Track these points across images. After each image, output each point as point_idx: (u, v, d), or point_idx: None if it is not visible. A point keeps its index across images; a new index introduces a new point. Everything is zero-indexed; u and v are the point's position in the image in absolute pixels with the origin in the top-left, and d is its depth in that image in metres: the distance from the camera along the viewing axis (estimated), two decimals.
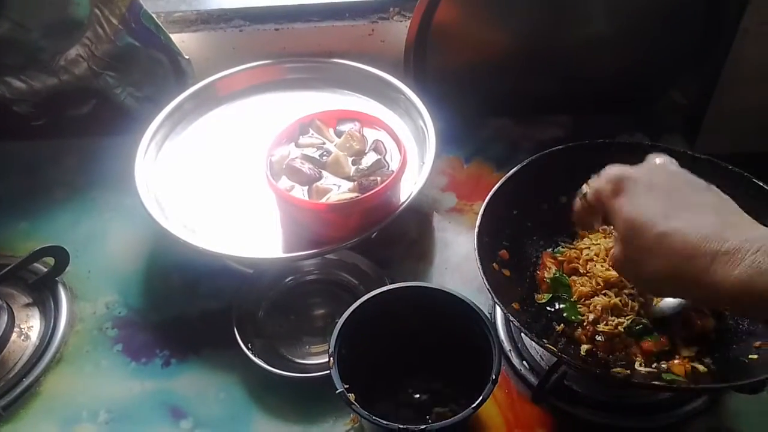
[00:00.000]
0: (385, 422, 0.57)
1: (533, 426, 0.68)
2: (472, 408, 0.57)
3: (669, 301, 0.67)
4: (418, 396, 0.68)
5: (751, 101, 0.99)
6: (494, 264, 0.70)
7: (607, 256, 0.71)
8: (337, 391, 0.58)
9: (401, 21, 0.96)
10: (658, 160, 0.59)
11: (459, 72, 0.97)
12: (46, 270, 0.81)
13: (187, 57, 0.96)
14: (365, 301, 0.64)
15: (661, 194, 0.54)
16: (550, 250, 0.76)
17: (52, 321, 0.78)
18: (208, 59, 0.98)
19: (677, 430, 0.67)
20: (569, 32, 0.93)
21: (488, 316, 0.67)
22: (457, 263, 0.83)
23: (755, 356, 0.62)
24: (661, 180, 0.56)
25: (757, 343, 0.63)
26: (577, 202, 0.63)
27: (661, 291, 0.59)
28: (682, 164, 0.74)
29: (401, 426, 0.56)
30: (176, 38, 0.95)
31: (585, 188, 0.61)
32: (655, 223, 0.51)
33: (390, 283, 0.68)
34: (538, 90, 0.97)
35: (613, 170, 0.58)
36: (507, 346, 0.74)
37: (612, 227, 0.69)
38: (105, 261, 0.85)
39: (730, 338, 0.66)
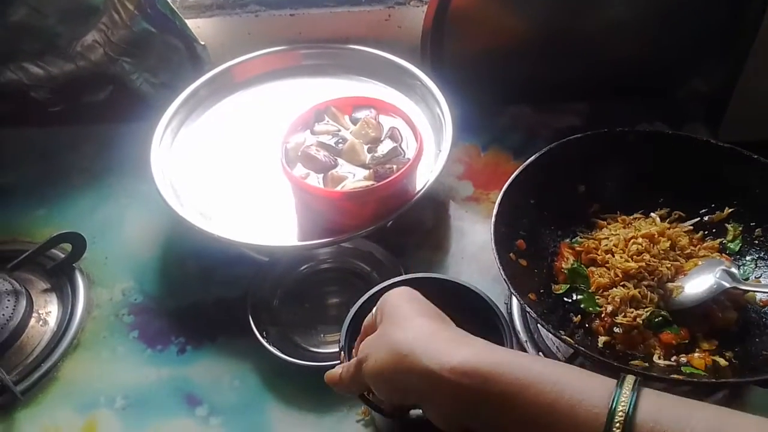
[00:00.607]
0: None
1: None
2: None
3: (690, 293, 0.66)
4: None
5: None
6: (511, 254, 0.69)
7: (626, 247, 0.70)
8: None
9: (418, 6, 0.94)
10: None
11: (476, 58, 0.96)
12: (63, 256, 0.82)
13: (202, 43, 0.95)
14: (375, 293, 0.63)
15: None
16: (567, 240, 0.75)
17: (70, 307, 0.78)
18: (223, 45, 0.98)
19: None
20: (588, 17, 0.91)
21: (501, 307, 0.66)
22: (473, 253, 0.82)
23: None
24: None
25: None
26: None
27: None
28: (703, 153, 0.74)
29: (414, 417, 0.56)
30: (192, 24, 0.95)
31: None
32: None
33: (404, 272, 0.67)
34: (556, 76, 0.95)
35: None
36: (523, 336, 0.73)
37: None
38: (121, 247, 0.85)
39: (753, 332, 0.65)
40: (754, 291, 0.66)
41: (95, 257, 0.83)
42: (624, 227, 0.74)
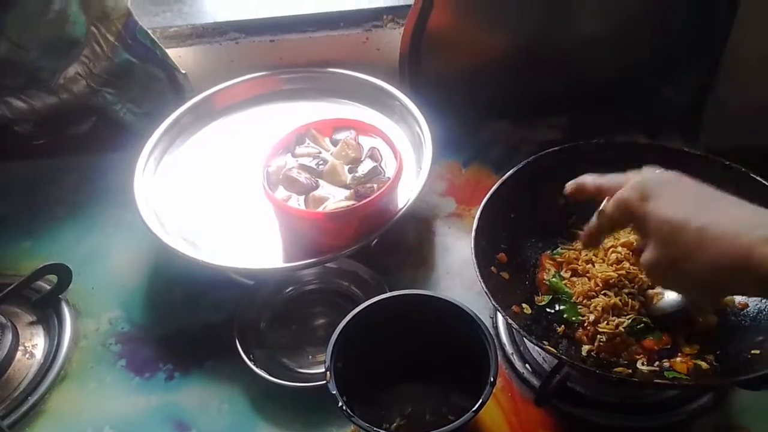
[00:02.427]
0: None
1: (537, 429, 0.68)
2: (472, 412, 0.57)
3: (669, 299, 0.67)
4: (418, 402, 0.67)
5: (751, 96, 0.99)
6: (492, 267, 0.70)
7: (606, 256, 0.71)
8: (338, 405, 0.58)
9: (395, 28, 0.96)
10: (659, 170, 0.60)
11: (455, 76, 0.98)
12: (49, 288, 0.82)
13: (183, 71, 0.97)
14: (358, 312, 0.64)
15: (688, 194, 0.56)
16: (548, 251, 0.76)
17: (56, 338, 0.78)
18: (205, 73, 0.99)
19: (683, 429, 0.67)
20: (563, 32, 0.92)
21: (487, 321, 0.67)
22: (457, 268, 0.82)
23: (757, 351, 0.62)
24: (683, 182, 0.58)
25: (760, 338, 0.63)
26: (594, 221, 0.62)
27: (701, 288, 0.57)
28: (680, 162, 0.75)
29: None
30: (173, 53, 0.96)
31: (604, 205, 0.61)
32: (690, 219, 0.53)
33: (389, 290, 0.68)
34: (534, 92, 0.97)
35: (635, 178, 0.59)
36: (509, 349, 0.74)
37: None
38: (107, 277, 0.85)
39: (733, 335, 0.66)
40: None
41: (81, 288, 0.83)
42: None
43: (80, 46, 0.91)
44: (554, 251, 0.76)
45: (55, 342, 0.78)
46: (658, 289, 0.68)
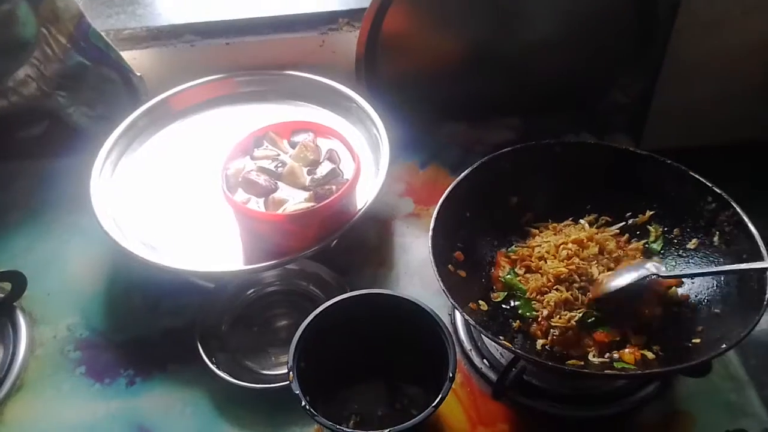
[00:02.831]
0: (348, 430, 0.58)
1: (495, 422, 0.70)
2: (432, 407, 0.59)
3: (618, 281, 0.70)
4: (381, 399, 0.69)
5: (690, 97, 1.04)
6: (450, 266, 0.72)
7: (557, 253, 0.74)
8: (302, 404, 0.59)
9: (351, 31, 0.97)
10: None
11: (410, 79, 0.99)
12: (2, 296, 0.80)
13: (138, 74, 0.96)
14: (319, 313, 0.65)
15: None
16: (503, 249, 0.78)
17: (11, 347, 0.77)
18: (160, 75, 0.98)
19: (633, 416, 0.70)
20: (513, 37, 0.95)
21: (445, 317, 0.68)
22: (416, 267, 0.84)
23: (698, 340, 0.65)
24: None
25: (699, 328, 0.67)
26: None
27: None
28: (624, 160, 0.79)
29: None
30: (128, 55, 0.95)
31: None
32: None
33: (350, 290, 0.69)
34: (487, 94, 0.99)
35: None
36: (468, 345, 0.76)
37: None
38: (64, 283, 0.84)
39: (676, 325, 0.69)
40: (672, 277, 0.71)
41: (37, 295, 0.82)
42: (555, 234, 0.78)
43: (30, 48, 0.89)
44: (509, 249, 0.78)
45: (11, 351, 0.76)
46: (603, 276, 0.71)
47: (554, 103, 1.00)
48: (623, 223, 0.79)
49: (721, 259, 0.71)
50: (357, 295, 0.67)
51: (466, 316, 0.64)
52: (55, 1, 0.87)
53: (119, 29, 0.97)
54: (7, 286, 0.80)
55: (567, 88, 0.99)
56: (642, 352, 0.67)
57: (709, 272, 0.70)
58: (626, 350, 0.68)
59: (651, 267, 0.70)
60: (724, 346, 0.60)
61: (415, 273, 0.84)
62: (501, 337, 0.65)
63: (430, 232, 0.71)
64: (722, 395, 0.70)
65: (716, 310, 0.67)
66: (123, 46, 0.96)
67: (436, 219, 0.72)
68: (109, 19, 0.98)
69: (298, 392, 0.60)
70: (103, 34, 0.92)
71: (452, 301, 0.65)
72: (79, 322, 0.80)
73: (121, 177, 0.88)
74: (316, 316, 0.65)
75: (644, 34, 0.96)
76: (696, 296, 0.71)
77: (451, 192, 0.75)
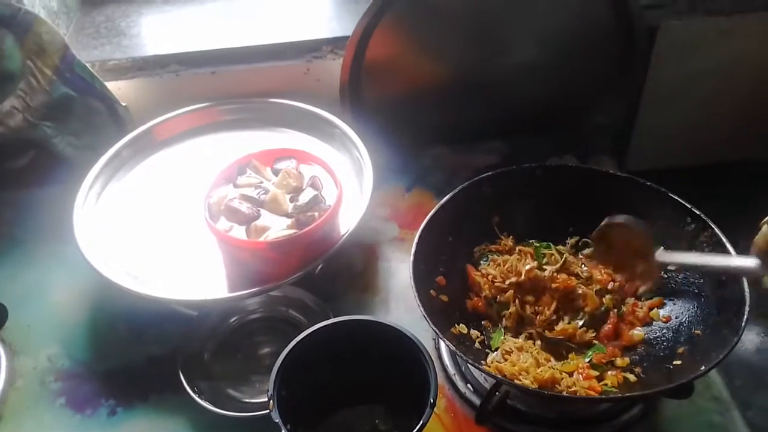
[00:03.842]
0: None
1: None
2: None
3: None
4: (363, 425, 0.68)
5: (673, 119, 1.06)
6: (432, 291, 0.72)
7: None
8: None
9: (335, 59, 0.98)
10: None
11: (394, 104, 1.00)
12: None
13: (124, 104, 0.97)
14: (300, 340, 0.65)
15: None
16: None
17: None
18: (146, 105, 0.99)
19: None
20: (496, 62, 0.97)
21: (429, 342, 0.68)
22: (400, 292, 0.84)
23: (679, 362, 0.65)
24: None
25: (681, 350, 0.67)
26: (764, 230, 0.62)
27: None
28: (605, 183, 0.79)
29: None
30: (113, 86, 0.96)
31: None
32: None
33: (334, 316, 0.69)
34: (471, 117, 1.00)
35: None
36: (451, 370, 0.75)
37: None
38: (46, 313, 0.83)
39: (657, 347, 0.69)
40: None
41: (17, 326, 0.82)
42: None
43: (16, 79, 0.90)
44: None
45: None
46: None
47: (538, 126, 1.01)
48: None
49: (701, 281, 0.71)
50: (338, 322, 0.67)
51: (448, 343, 0.64)
52: (41, 34, 0.88)
53: (104, 60, 0.98)
54: None
55: (550, 111, 1.00)
56: (624, 374, 0.67)
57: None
58: (609, 373, 0.67)
59: None
60: (703, 368, 0.60)
61: (400, 297, 0.84)
62: (483, 363, 0.65)
63: (411, 258, 0.71)
64: (706, 416, 0.69)
65: (697, 332, 0.67)
66: (108, 76, 0.97)
67: (418, 245, 0.72)
68: (94, 50, 0.99)
69: (278, 420, 0.60)
70: (88, 65, 0.93)
71: (434, 327, 0.65)
72: (60, 352, 0.79)
73: (104, 206, 0.88)
74: (296, 344, 0.65)
75: (625, 58, 0.97)
76: (677, 318, 0.71)
77: (432, 217, 0.75)
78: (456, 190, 0.77)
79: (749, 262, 0.62)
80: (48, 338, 0.81)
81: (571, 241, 0.80)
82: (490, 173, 0.80)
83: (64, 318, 0.83)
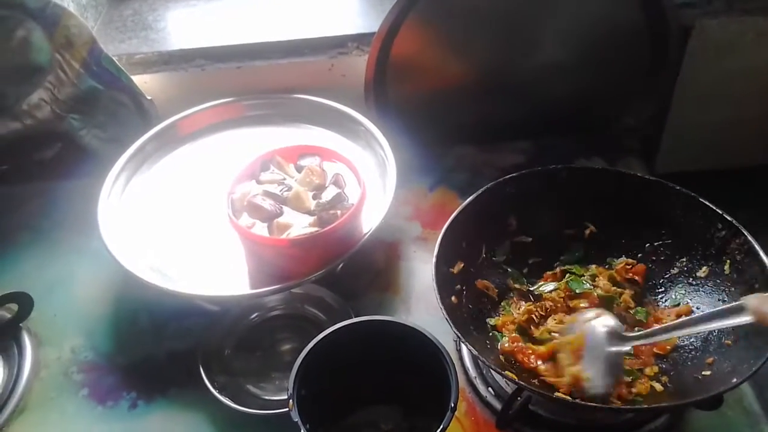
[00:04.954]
0: None
1: None
2: None
3: (598, 382, 0.65)
4: (382, 427, 0.68)
5: (704, 120, 1.03)
6: (453, 297, 0.71)
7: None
8: None
9: (360, 55, 0.98)
10: None
11: (419, 102, 0.99)
12: (9, 316, 0.80)
13: (149, 98, 0.97)
14: (320, 340, 0.64)
15: None
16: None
17: (16, 368, 0.77)
18: (171, 99, 0.99)
19: None
20: (525, 60, 0.95)
21: (451, 345, 0.67)
22: (422, 292, 0.83)
23: (708, 372, 0.63)
24: None
25: (710, 360, 0.65)
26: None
27: None
28: (632, 187, 0.77)
29: None
30: (139, 79, 0.96)
31: None
32: None
33: (355, 315, 0.68)
34: (497, 117, 0.99)
35: None
36: (473, 373, 0.74)
37: None
38: (70, 305, 0.84)
39: (685, 356, 0.67)
40: (644, 343, 0.67)
41: (43, 316, 0.82)
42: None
43: (45, 72, 0.91)
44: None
45: (15, 372, 0.77)
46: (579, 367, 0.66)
47: (565, 127, 0.99)
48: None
49: (732, 288, 0.69)
50: (358, 322, 0.66)
51: (470, 347, 0.63)
52: (69, 27, 0.89)
53: (131, 53, 0.98)
54: (14, 307, 0.80)
55: (578, 112, 0.98)
56: (651, 383, 0.65)
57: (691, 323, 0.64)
58: (637, 381, 0.66)
59: (613, 338, 0.65)
60: (735, 380, 0.58)
61: (422, 297, 0.83)
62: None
63: (434, 260, 0.70)
64: (735, 429, 0.67)
65: (727, 341, 0.65)
66: (135, 70, 0.97)
67: (441, 245, 0.71)
68: (121, 44, 1.00)
69: (297, 420, 0.60)
70: (115, 58, 0.93)
71: (456, 331, 0.64)
72: (83, 343, 0.80)
73: (129, 200, 0.88)
74: (316, 344, 0.64)
75: (657, 58, 0.95)
76: None
77: (455, 218, 0.74)
78: (480, 192, 0.76)
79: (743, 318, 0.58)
80: (72, 329, 0.82)
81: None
82: (514, 174, 0.78)
83: (88, 310, 0.84)
